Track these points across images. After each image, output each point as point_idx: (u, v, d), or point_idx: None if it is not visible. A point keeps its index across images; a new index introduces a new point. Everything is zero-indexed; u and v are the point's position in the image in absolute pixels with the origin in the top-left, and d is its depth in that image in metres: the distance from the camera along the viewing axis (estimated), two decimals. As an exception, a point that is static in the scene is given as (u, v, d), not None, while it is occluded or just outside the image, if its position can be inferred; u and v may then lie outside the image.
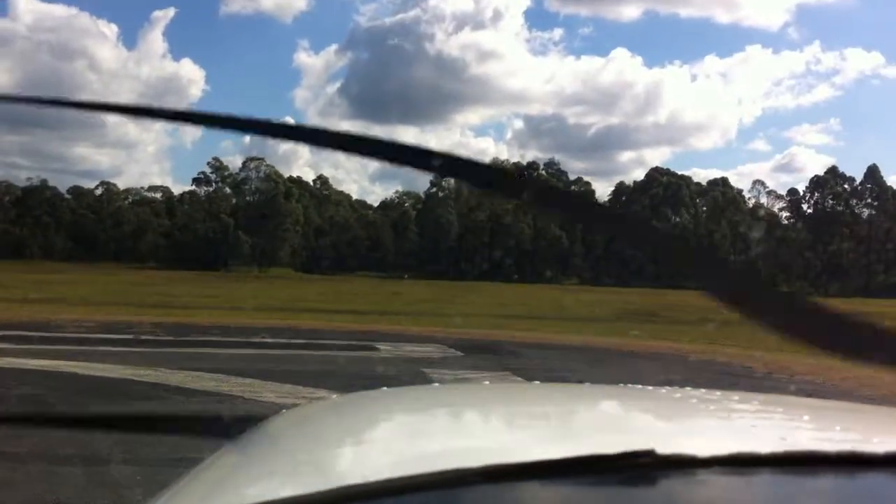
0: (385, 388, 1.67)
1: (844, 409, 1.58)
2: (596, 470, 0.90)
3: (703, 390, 1.52)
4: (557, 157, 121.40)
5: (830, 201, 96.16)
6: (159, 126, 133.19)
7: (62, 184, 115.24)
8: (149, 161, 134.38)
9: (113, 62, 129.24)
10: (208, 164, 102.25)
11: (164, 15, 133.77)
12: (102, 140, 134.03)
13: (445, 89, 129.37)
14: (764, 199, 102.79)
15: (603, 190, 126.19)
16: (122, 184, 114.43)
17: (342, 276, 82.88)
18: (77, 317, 21.43)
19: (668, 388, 1.57)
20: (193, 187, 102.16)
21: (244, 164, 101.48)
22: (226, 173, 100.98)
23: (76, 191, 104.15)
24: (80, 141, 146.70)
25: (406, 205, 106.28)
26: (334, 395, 1.87)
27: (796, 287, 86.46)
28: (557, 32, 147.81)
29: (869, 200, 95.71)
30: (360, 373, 12.66)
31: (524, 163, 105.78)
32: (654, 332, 23.91)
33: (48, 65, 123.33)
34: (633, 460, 0.88)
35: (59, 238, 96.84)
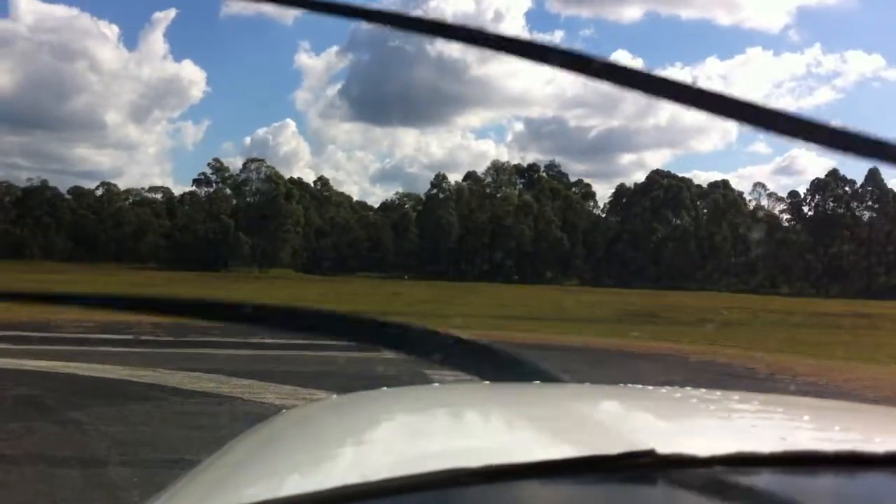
0: (385, 388, 1.67)
1: (844, 409, 1.58)
2: (596, 470, 0.90)
3: (703, 390, 1.51)
4: (558, 160, 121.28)
5: (831, 204, 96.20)
6: (160, 127, 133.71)
7: (63, 184, 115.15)
8: (149, 162, 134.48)
9: (114, 63, 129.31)
10: (209, 164, 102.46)
11: (165, 16, 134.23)
12: (103, 141, 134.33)
13: (446, 91, 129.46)
14: (765, 202, 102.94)
15: (604, 192, 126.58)
16: (122, 184, 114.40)
17: (343, 276, 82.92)
18: (76, 317, 21.42)
19: (668, 388, 1.56)
20: (194, 188, 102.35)
21: (245, 165, 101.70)
22: (226, 174, 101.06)
23: (77, 191, 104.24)
24: (81, 142, 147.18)
25: (406, 206, 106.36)
26: (334, 396, 1.87)
27: (797, 288, 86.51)
28: (559, 34, 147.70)
29: (870, 203, 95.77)
30: (360, 373, 12.65)
31: (525, 165, 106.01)
32: (654, 333, 23.93)
33: (49, 65, 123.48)
34: (634, 460, 0.88)
35: (59, 238, 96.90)
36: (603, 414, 1.40)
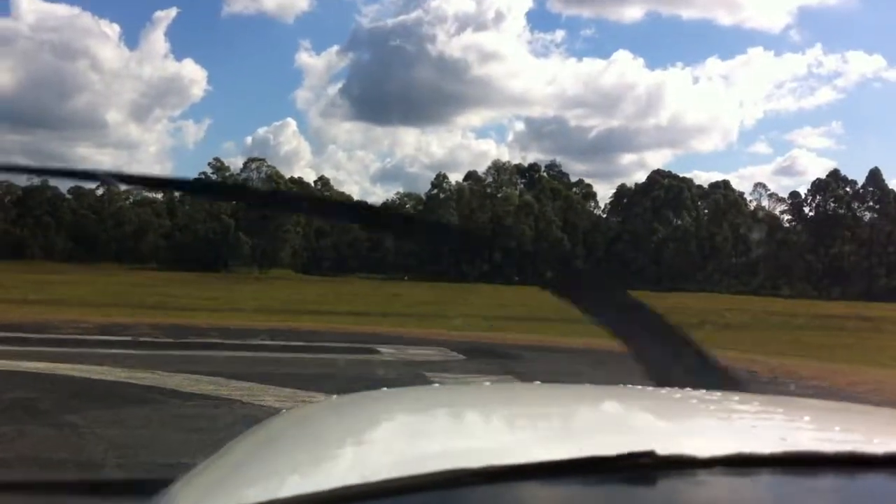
0: (385, 389, 1.67)
1: (845, 410, 1.58)
2: (596, 470, 0.90)
3: (702, 390, 1.51)
4: (559, 160, 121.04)
5: (832, 204, 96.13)
6: (161, 126, 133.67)
7: (63, 184, 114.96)
8: (150, 161, 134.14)
9: (115, 62, 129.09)
10: (209, 164, 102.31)
11: (166, 15, 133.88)
12: (104, 140, 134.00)
13: (447, 91, 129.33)
14: (765, 202, 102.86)
15: (604, 192, 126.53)
16: (122, 184, 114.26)
17: (343, 277, 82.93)
18: (76, 318, 21.40)
19: (668, 388, 1.56)
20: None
21: (245, 164, 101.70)
22: (227, 174, 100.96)
23: (77, 191, 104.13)
24: (82, 141, 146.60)
25: (407, 206, 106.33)
26: (334, 397, 1.87)
27: (798, 289, 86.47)
28: (559, 34, 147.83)
29: (871, 204, 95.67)
30: (360, 375, 12.63)
31: (525, 165, 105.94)
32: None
33: (50, 64, 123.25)
34: (633, 461, 0.88)
35: (59, 238, 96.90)
36: (603, 414, 1.40)
